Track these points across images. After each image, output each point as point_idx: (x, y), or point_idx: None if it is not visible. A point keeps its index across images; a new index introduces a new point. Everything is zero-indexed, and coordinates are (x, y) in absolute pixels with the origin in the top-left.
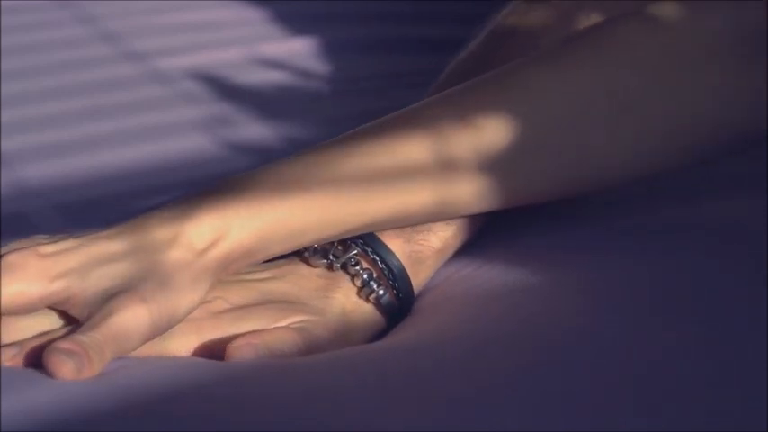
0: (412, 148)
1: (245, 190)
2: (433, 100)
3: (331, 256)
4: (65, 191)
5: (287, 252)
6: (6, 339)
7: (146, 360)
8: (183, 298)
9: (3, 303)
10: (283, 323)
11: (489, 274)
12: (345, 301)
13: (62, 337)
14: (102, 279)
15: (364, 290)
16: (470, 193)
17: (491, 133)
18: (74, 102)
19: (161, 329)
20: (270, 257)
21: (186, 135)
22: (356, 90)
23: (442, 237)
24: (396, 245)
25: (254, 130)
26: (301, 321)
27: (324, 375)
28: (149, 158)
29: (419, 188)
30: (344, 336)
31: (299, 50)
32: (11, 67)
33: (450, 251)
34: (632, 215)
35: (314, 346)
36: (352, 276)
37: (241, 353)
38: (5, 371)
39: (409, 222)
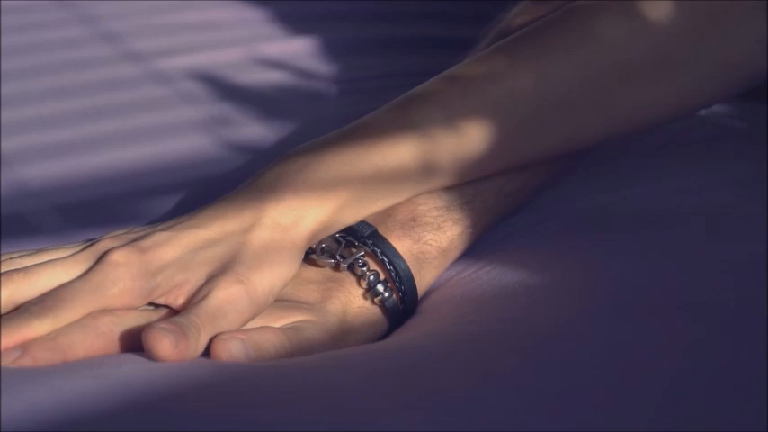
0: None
1: (303, 179)
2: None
3: (338, 257)
4: (65, 191)
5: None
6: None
7: (146, 360)
8: (279, 274)
9: (111, 302)
10: (279, 323)
11: (489, 276)
12: (347, 303)
13: (159, 320)
14: (201, 266)
15: (370, 292)
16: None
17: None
18: (74, 102)
19: (261, 306)
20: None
21: (186, 135)
22: (356, 90)
23: (450, 236)
24: (404, 245)
25: (254, 130)
26: (297, 322)
27: (322, 375)
28: (149, 159)
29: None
30: (343, 338)
31: (299, 50)
32: (11, 67)
33: (455, 253)
34: (632, 214)
35: (305, 347)
36: (359, 278)
37: (228, 346)
38: (5, 371)
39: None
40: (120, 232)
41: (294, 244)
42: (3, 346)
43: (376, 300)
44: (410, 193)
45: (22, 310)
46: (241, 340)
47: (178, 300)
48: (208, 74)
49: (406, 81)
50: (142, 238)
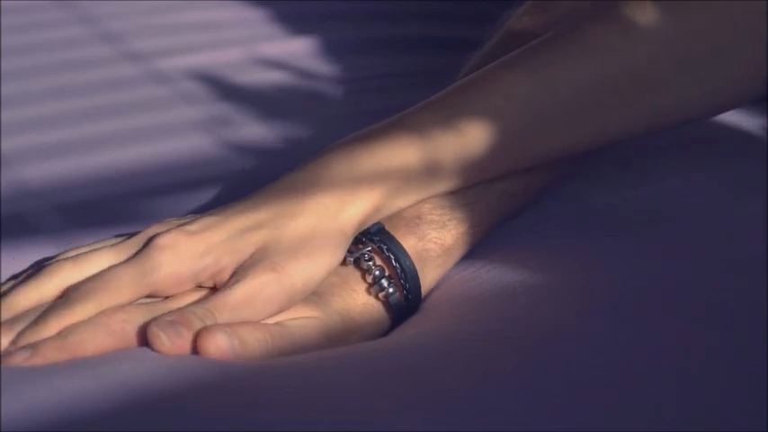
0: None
1: (352, 166)
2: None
3: None
4: (65, 191)
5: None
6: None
7: (145, 360)
8: (319, 263)
9: (159, 285)
10: (277, 317)
11: (489, 275)
12: (350, 301)
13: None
14: (247, 248)
15: (374, 287)
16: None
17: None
18: (74, 102)
19: (297, 296)
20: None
21: (186, 135)
22: (356, 90)
23: (454, 234)
24: (409, 243)
25: (254, 130)
26: (294, 318)
27: (322, 375)
28: (149, 159)
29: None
30: (345, 335)
31: (299, 50)
32: (11, 67)
33: (458, 253)
34: (632, 214)
35: (290, 344)
36: (364, 272)
37: (214, 338)
38: (5, 371)
39: None
40: (167, 220)
41: (341, 231)
42: (46, 335)
43: (380, 295)
44: (456, 183)
45: (65, 297)
46: (227, 333)
47: (224, 282)
48: (208, 74)
49: (406, 81)
50: (189, 223)
